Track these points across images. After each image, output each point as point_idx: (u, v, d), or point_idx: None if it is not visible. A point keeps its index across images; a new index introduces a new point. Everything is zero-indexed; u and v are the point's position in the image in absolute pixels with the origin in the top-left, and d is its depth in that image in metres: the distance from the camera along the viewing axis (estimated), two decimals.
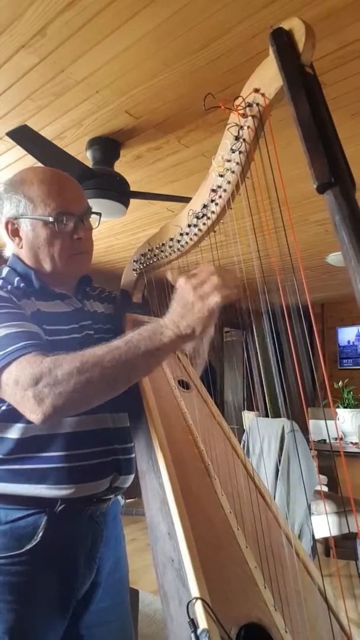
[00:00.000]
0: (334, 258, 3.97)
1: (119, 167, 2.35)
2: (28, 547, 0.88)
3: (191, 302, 0.77)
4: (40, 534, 0.88)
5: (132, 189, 2.35)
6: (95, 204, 2.17)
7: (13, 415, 0.89)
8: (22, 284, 0.97)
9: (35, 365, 0.80)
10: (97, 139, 2.20)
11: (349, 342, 5.98)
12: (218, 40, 1.59)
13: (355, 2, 1.44)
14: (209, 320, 0.77)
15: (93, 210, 1.08)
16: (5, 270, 1.01)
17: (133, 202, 2.47)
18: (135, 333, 0.82)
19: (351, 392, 3.66)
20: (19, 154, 2.28)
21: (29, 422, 0.88)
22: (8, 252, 1.06)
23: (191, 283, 0.78)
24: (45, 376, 0.78)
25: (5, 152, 2.33)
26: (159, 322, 0.81)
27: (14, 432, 0.90)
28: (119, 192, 2.23)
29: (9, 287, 0.95)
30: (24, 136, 1.90)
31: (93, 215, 1.07)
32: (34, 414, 0.79)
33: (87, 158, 2.27)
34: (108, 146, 2.22)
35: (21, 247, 1.01)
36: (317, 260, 4.13)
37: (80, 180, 2.09)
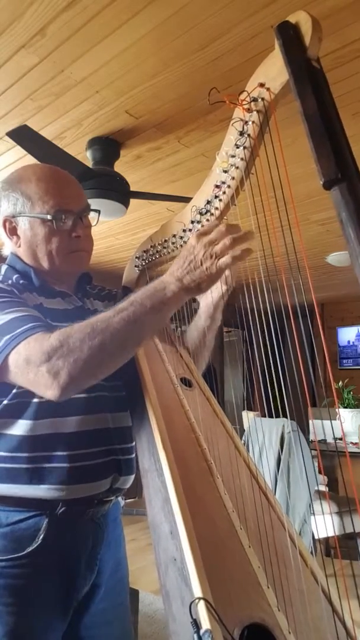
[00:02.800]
0: (335, 258, 3.98)
1: (119, 167, 2.35)
2: (29, 549, 0.87)
3: (200, 260, 0.78)
4: (41, 537, 0.88)
5: (132, 189, 2.35)
6: (95, 204, 2.16)
7: (14, 411, 0.88)
8: (21, 281, 0.97)
9: (44, 341, 0.79)
10: (97, 139, 2.20)
11: (349, 342, 5.98)
12: (218, 40, 1.59)
13: (355, 2, 1.44)
14: (216, 278, 0.79)
15: (97, 209, 1.08)
16: (4, 268, 1.00)
17: (133, 202, 2.46)
18: (139, 292, 0.83)
19: (351, 392, 3.66)
20: (19, 154, 2.28)
21: (30, 418, 0.88)
22: (6, 251, 1.05)
23: (202, 241, 0.78)
24: (57, 349, 0.78)
25: (5, 152, 2.33)
26: (161, 279, 0.82)
27: (15, 430, 0.89)
28: (119, 192, 2.22)
29: (10, 281, 0.95)
30: (24, 136, 1.90)
31: (92, 213, 1.06)
32: (51, 389, 0.78)
33: (87, 158, 2.27)
34: (108, 146, 2.22)
35: (19, 246, 1.00)
36: (317, 260, 4.13)
37: (80, 180, 2.09)
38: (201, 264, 0.78)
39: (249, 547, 0.76)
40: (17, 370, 0.81)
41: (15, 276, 0.97)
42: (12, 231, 1.00)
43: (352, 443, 3.38)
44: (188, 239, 0.97)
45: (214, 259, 0.77)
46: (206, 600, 0.60)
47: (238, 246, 0.76)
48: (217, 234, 0.78)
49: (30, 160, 2.20)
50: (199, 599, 0.60)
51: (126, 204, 2.30)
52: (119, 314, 0.80)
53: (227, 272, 1.02)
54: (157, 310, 0.81)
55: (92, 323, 0.80)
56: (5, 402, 0.89)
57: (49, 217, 0.96)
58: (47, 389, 0.79)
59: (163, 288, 0.81)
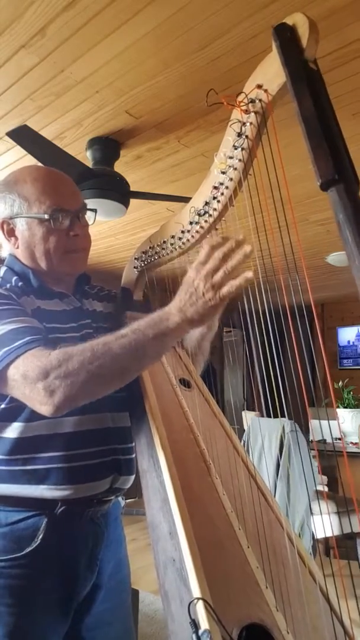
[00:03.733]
0: (334, 258, 3.97)
1: (119, 167, 2.35)
2: (28, 549, 0.87)
3: (201, 292, 0.78)
4: (41, 536, 0.88)
5: (132, 189, 2.35)
6: (95, 204, 2.16)
7: (11, 414, 0.89)
8: (20, 283, 0.97)
9: (43, 359, 0.80)
10: (97, 139, 2.20)
11: (349, 342, 5.98)
12: (218, 40, 1.59)
13: (355, 2, 1.44)
14: (220, 308, 0.79)
15: (94, 209, 1.08)
16: (3, 270, 1.00)
17: (133, 202, 2.46)
18: (142, 321, 0.83)
19: (351, 392, 3.67)
20: (19, 154, 2.28)
21: (28, 420, 0.88)
22: (4, 253, 1.05)
23: (201, 273, 0.78)
24: (55, 369, 0.78)
25: (5, 152, 2.33)
26: (164, 309, 0.82)
27: (13, 432, 0.89)
28: (119, 192, 2.22)
29: (8, 285, 0.95)
30: (24, 136, 1.90)
31: (89, 212, 1.07)
32: (45, 406, 0.79)
33: (87, 158, 2.26)
34: (108, 146, 2.22)
35: (17, 247, 1.00)
36: (317, 260, 4.13)
37: (80, 180, 2.09)
38: (203, 296, 0.78)
39: (248, 547, 0.76)
40: (13, 384, 0.82)
41: (14, 278, 0.97)
42: (10, 233, 1.01)
43: (352, 443, 3.38)
44: (187, 240, 0.98)
45: (216, 290, 0.77)
46: (205, 601, 0.60)
47: (237, 270, 0.75)
48: (214, 263, 0.77)
49: (30, 160, 2.20)
50: (198, 599, 0.60)
51: (126, 204, 2.30)
52: (120, 340, 0.81)
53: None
54: (159, 340, 0.81)
55: (93, 347, 0.81)
56: (2, 405, 0.89)
57: (46, 216, 0.96)
58: (42, 405, 0.80)
59: (166, 319, 0.81)
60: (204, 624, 0.58)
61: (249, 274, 0.74)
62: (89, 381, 0.79)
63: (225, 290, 0.76)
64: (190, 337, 1.16)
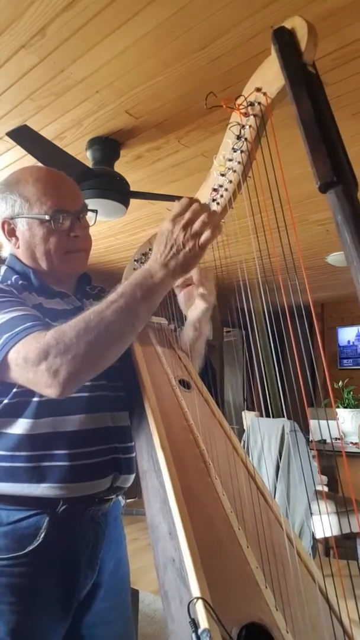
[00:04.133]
0: (334, 258, 3.97)
1: (119, 167, 2.35)
2: (30, 548, 0.87)
3: (181, 242, 0.80)
4: (42, 535, 0.88)
5: (132, 189, 2.35)
6: (95, 204, 2.17)
7: (14, 410, 0.89)
8: (20, 281, 0.97)
9: (41, 339, 0.80)
10: (97, 139, 2.20)
11: (349, 342, 5.98)
12: (218, 40, 1.59)
13: (355, 2, 1.44)
14: (201, 256, 0.81)
15: (94, 209, 1.08)
16: (3, 269, 1.01)
17: (133, 202, 2.47)
18: (126, 283, 0.84)
19: (351, 392, 3.67)
20: (19, 154, 2.28)
21: (33, 417, 0.88)
22: (5, 253, 1.06)
23: (179, 223, 0.81)
24: (53, 347, 0.78)
25: (5, 152, 2.33)
26: (145, 267, 0.84)
27: (16, 428, 0.89)
28: (119, 192, 2.22)
29: (9, 282, 0.95)
30: (24, 136, 1.90)
31: (90, 213, 1.07)
32: (51, 388, 0.79)
33: (87, 158, 2.27)
34: (108, 146, 2.22)
35: (18, 247, 1.01)
36: (317, 260, 4.13)
37: (80, 180, 2.09)
38: (184, 246, 0.80)
39: (247, 547, 0.76)
40: (17, 368, 0.82)
41: (14, 277, 0.98)
42: (11, 233, 1.01)
43: (352, 443, 3.38)
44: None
45: (196, 239, 0.79)
46: (204, 600, 0.60)
47: (213, 219, 0.79)
48: (193, 213, 0.80)
49: (30, 160, 2.20)
50: (197, 598, 0.60)
51: (126, 204, 2.31)
52: (111, 306, 0.82)
53: (205, 291, 1.06)
54: (148, 298, 0.83)
55: (86, 318, 0.81)
56: (5, 401, 0.89)
57: (46, 217, 0.96)
58: (48, 388, 0.79)
59: (150, 276, 0.83)
60: (203, 623, 0.58)
61: (221, 218, 0.78)
62: (89, 352, 0.79)
63: (204, 238, 0.78)
64: (185, 337, 1.17)
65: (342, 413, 3.55)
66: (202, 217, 0.79)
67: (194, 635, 0.58)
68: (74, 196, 1.01)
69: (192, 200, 0.82)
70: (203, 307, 1.09)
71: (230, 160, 0.80)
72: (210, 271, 1.05)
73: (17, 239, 1.00)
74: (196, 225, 0.79)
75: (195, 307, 1.10)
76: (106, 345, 0.81)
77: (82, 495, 0.91)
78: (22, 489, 0.88)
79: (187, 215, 0.80)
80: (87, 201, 1.06)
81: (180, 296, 1.12)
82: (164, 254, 0.82)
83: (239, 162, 0.79)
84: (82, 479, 0.91)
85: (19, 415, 0.89)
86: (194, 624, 0.59)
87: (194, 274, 1.06)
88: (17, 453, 0.89)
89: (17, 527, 0.88)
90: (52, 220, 0.96)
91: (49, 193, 0.97)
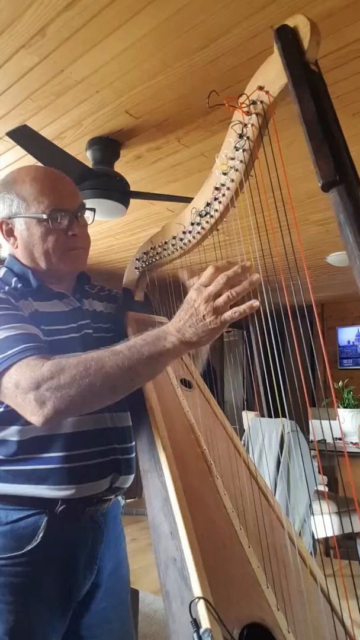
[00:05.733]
0: (334, 258, 3.97)
1: (119, 167, 2.35)
2: (28, 547, 0.87)
3: (201, 314, 0.75)
4: (41, 535, 0.88)
5: (132, 189, 2.35)
6: (95, 204, 2.17)
7: (9, 418, 0.89)
8: (19, 284, 0.97)
9: (37, 369, 0.80)
10: (97, 139, 2.20)
11: (349, 342, 5.98)
12: (218, 41, 1.59)
13: (355, 2, 1.44)
14: (219, 332, 0.77)
15: (92, 208, 1.08)
16: (2, 271, 1.00)
17: (133, 202, 2.46)
18: (139, 338, 0.81)
19: (351, 392, 3.67)
20: (19, 154, 2.28)
21: (26, 423, 0.88)
22: (4, 253, 1.05)
23: (203, 294, 0.76)
24: (47, 380, 0.78)
25: (5, 152, 2.33)
26: (163, 328, 0.81)
27: (13, 435, 0.90)
28: (119, 192, 2.22)
29: (7, 288, 0.95)
30: (24, 136, 1.90)
31: (88, 212, 1.07)
32: (35, 416, 0.79)
33: (87, 158, 2.26)
34: (108, 146, 2.22)
35: (16, 247, 1.00)
36: (317, 260, 4.13)
37: (80, 180, 2.09)
38: (203, 318, 0.75)
39: (249, 547, 0.76)
40: (6, 392, 0.82)
41: (13, 279, 0.98)
42: (9, 233, 1.01)
43: (352, 443, 3.38)
44: (188, 241, 0.98)
45: (217, 314, 0.74)
46: (206, 600, 0.60)
47: (241, 293, 0.73)
48: (217, 286, 0.74)
49: (30, 160, 2.20)
50: (199, 598, 0.60)
51: (126, 204, 2.30)
52: (114, 357, 0.80)
53: None
54: (154, 360, 0.80)
55: (87, 361, 0.80)
56: (1, 409, 0.89)
57: (44, 216, 0.96)
58: (32, 415, 0.80)
59: (164, 337, 0.79)
60: (205, 623, 0.58)
61: (256, 303, 0.72)
62: (79, 396, 0.78)
63: (227, 315, 0.74)
64: None
65: (342, 413, 3.54)
66: (228, 293, 0.73)
67: (195, 635, 0.58)
68: (71, 195, 1.01)
69: (218, 271, 0.76)
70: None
71: (233, 158, 0.80)
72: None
73: (15, 238, 1.00)
74: (220, 300, 0.74)
75: None
76: (98, 394, 0.80)
77: (81, 496, 0.91)
78: (21, 489, 0.89)
79: (211, 288, 0.75)
80: (87, 201, 1.06)
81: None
82: (183, 320, 0.78)
83: (241, 161, 0.79)
84: (81, 481, 0.91)
85: (13, 423, 0.89)
86: (196, 624, 0.58)
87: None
88: (17, 457, 0.89)
89: (15, 526, 0.88)
90: (50, 219, 0.96)
91: (46, 192, 0.97)
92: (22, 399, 0.80)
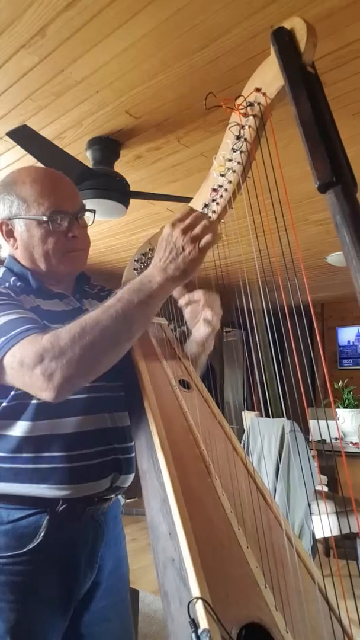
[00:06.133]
0: (334, 258, 3.97)
1: (119, 167, 2.35)
2: (30, 546, 0.88)
3: (180, 246, 0.79)
4: (42, 534, 0.88)
5: (132, 189, 2.35)
6: (95, 204, 2.17)
7: (13, 413, 0.89)
8: (19, 283, 0.97)
9: (37, 343, 0.80)
10: (97, 139, 2.20)
11: (349, 342, 5.98)
12: (218, 41, 1.59)
13: (355, 2, 1.44)
14: (200, 261, 0.80)
15: (92, 209, 1.08)
16: (2, 270, 1.01)
17: (133, 202, 2.47)
18: (125, 288, 0.83)
19: (351, 392, 3.67)
20: (19, 154, 2.28)
21: (31, 419, 0.88)
22: (3, 253, 1.05)
23: (179, 227, 0.80)
24: (48, 350, 0.78)
25: (5, 152, 2.33)
26: (145, 273, 0.83)
27: (15, 430, 0.89)
28: (119, 192, 2.23)
29: (7, 284, 0.95)
30: (24, 136, 1.90)
31: (88, 213, 1.07)
32: (46, 392, 0.79)
33: (87, 158, 2.27)
34: (108, 146, 2.22)
35: (16, 248, 1.01)
36: (317, 260, 4.13)
37: (80, 180, 2.10)
38: (183, 250, 0.79)
39: (247, 547, 0.76)
40: (12, 372, 0.82)
41: (12, 278, 0.98)
42: (9, 234, 1.01)
43: (352, 443, 3.38)
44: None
45: (195, 243, 0.79)
46: (204, 600, 0.60)
47: (214, 226, 0.78)
48: (194, 219, 0.79)
49: (30, 160, 2.20)
50: (197, 598, 0.60)
51: (126, 204, 2.31)
52: (107, 310, 0.81)
53: (210, 316, 1.04)
54: (145, 304, 0.82)
55: (82, 322, 0.81)
56: (4, 404, 0.89)
57: (44, 218, 0.96)
58: (43, 391, 0.79)
59: (149, 281, 0.82)
60: (203, 623, 0.58)
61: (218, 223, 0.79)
62: (84, 357, 0.78)
63: (204, 241, 0.78)
64: (187, 348, 1.17)
65: (342, 413, 3.54)
66: (203, 222, 0.79)
67: (193, 636, 0.58)
68: (71, 196, 1.01)
69: (194, 209, 0.82)
70: (208, 330, 1.09)
71: (230, 160, 0.80)
72: (216, 297, 1.04)
73: (15, 239, 1.00)
74: (197, 229, 0.79)
75: (199, 327, 1.10)
76: (101, 350, 0.80)
77: (81, 495, 0.91)
78: (22, 489, 0.89)
79: (188, 221, 0.80)
80: (87, 201, 1.07)
81: (186, 312, 1.12)
82: (163, 258, 0.81)
83: (238, 163, 0.79)
84: (81, 480, 0.91)
85: (17, 418, 0.89)
86: (194, 624, 0.59)
87: (200, 296, 1.05)
88: (17, 455, 0.89)
89: (17, 525, 0.88)
90: (50, 221, 0.96)
91: (47, 194, 0.97)
92: (29, 376, 0.79)
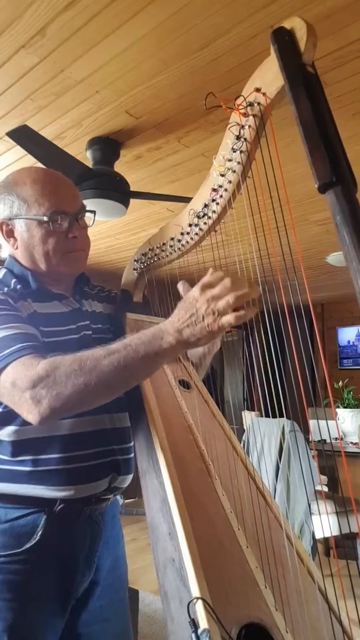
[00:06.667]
0: (334, 258, 3.97)
1: (119, 167, 2.35)
2: (27, 545, 0.88)
3: (201, 315, 0.74)
4: (40, 533, 0.88)
5: (132, 189, 2.35)
6: (95, 204, 2.17)
7: (7, 418, 0.89)
8: (18, 286, 0.97)
9: (32, 368, 0.80)
10: (97, 139, 2.20)
11: (349, 342, 5.98)
12: (218, 41, 1.59)
13: (355, 2, 1.44)
14: (217, 335, 0.76)
15: (92, 210, 1.08)
16: (2, 272, 1.01)
17: (133, 202, 2.46)
18: (135, 336, 0.80)
19: (351, 392, 3.66)
20: (19, 154, 2.28)
21: (22, 424, 0.88)
22: (4, 254, 1.06)
23: (206, 294, 0.74)
24: (42, 379, 0.78)
25: (5, 152, 2.33)
26: (160, 326, 0.79)
27: (11, 435, 0.90)
28: (119, 192, 2.22)
29: (6, 289, 0.95)
30: (24, 136, 1.90)
31: (88, 214, 1.07)
32: (31, 415, 0.79)
33: (87, 158, 2.27)
34: (108, 146, 2.22)
35: (16, 248, 1.01)
36: (317, 260, 4.13)
37: (80, 180, 2.09)
38: (202, 320, 0.74)
39: (247, 547, 0.76)
40: (3, 390, 0.83)
41: (12, 281, 0.98)
42: (9, 234, 1.01)
43: (352, 443, 3.38)
44: (186, 242, 0.98)
45: (217, 316, 0.73)
46: (204, 600, 0.60)
47: (242, 303, 0.73)
48: (222, 289, 0.73)
49: (30, 160, 2.20)
50: (197, 598, 0.60)
51: (126, 204, 2.31)
52: (110, 356, 0.79)
53: None
54: (150, 359, 0.79)
55: (82, 360, 0.80)
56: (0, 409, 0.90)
57: (45, 218, 0.96)
58: (29, 414, 0.80)
59: (160, 337, 0.78)
60: (203, 623, 0.58)
61: (254, 311, 0.72)
62: (74, 394, 0.78)
63: (226, 319, 0.73)
64: (193, 352, 1.17)
65: (342, 413, 3.54)
66: (229, 297, 0.72)
67: (193, 636, 0.58)
68: (72, 197, 1.01)
69: (223, 276, 0.75)
70: (208, 349, 1.08)
71: (230, 160, 0.80)
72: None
73: (15, 240, 1.00)
74: (221, 303, 0.73)
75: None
76: (92, 393, 0.80)
77: (80, 496, 0.91)
78: (20, 489, 0.89)
79: (216, 290, 0.74)
80: (87, 201, 1.07)
81: None
82: (182, 319, 0.76)
83: (238, 163, 0.79)
84: (80, 482, 0.91)
85: (11, 423, 0.90)
86: (194, 624, 0.59)
87: None
88: (15, 458, 0.90)
89: (14, 524, 0.89)
90: (51, 221, 0.96)
91: (47, 194, 0.97)
92: (18, 397, 0.80)
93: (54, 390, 0.78)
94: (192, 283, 1.17)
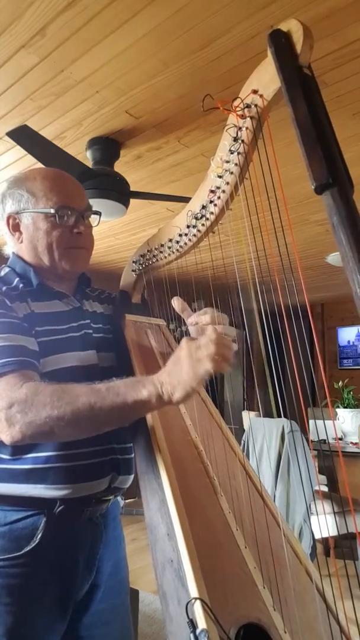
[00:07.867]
0: (334, 258, 3.97)
1: (119, 167, 2.35)
2: (27, 549, 0.88)
3: (182, 364, 0.74)
4: (39, 536, 0.88)
5: (132, 189, 2.35)
6: (95, 204, 2.16)
7: None
8: (20, 285, 0.97)
9: (14, 389, 0.81)
10: (97, 139, 2.20)
11: (349, 342, 5.98)
12: (218, 41, 1.59)
13: (355, 2, 1.44)
14: (193, 387, 0.74)
15: (98, 211, 1.09)
16: (5, 270, 1.01)
17: (133, 202, 2.47)
18: (124, 380, 0.80)
19: (351, 392, 3.66)
20: (19, 154, 2.29)
21: None
22: (8, 250, 1.06)
23: (189, 345, 0.74)
24: (20, 403, 0.79)
25: (5, 152, 2.34)
26: (149, 376, 0.78)
27: None
28: (119, 192, 2.23)
29: (4, 288, 0.95)
30: (24, 136, 1.90)
31: (93, 216, 1.08)
32: (3, 434, 0.81)
33: (87, 158, 2.27)
34: (108, 146, 2.22)
35: (21, 242, 1.02)
36: (317, 260, 4.13)
37: (80, 180, 2.09)
38: (181, 369, 0.74)
39: (245, 547, 0.76)
40: None
41: (15, 280, 0.98)
42: (15, 227, 1.02)
43: (351, 443, 3.38)
44: (184, 243, 0.98)
45: (197, 366, 0.72)
46: (202, 601, 0.60)
47: (223, 353, 0.71)
48: (204, 339, 0.73)
49: (30, 160, 2.21)
50: (196, 599, 0.60)
51: (126, 204, 2.31)
52: (90, 395, 0.79)
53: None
54: (127, 407, 0.78)
55: (62, 392, 0.80)
56: None
57: (52, 211, 0.98)
58: (1, 432, 0.81)
59: (143, 385, 0.77)
60: (201, 623, 0.58)
61: (230, 366, 0.73)
62: (45, 425, 0.79)
63: (202, 367, 0.72)
64: None
65: (342, 413, 3.54)
66: (209, 346, 0.72)
67: (192, 636, 0.58)
68: (79, 196, 1.03)
69: (214, 333, 0.74)
70: None
71: (227, 162, 0.80)
72: (225, 317, 0.96)
73: (20, 233, 1.02)
74: (199, 353, 0.72)
75: None
76: (63, 428, 0.79)
77: (79, 496, 0.91)
78: (19, 489, 0.89)
79: (199, 340, 0.74)
80: None
81: (192, 330, 1.11)
82: (167, 371, 0.76)
83: (235, 164, 0.79)
84: (79, 480, 0.91)
85: None
86: (192, 625, 0.59)
87: (208, 319, 0.95)
88: (15, 457, 0.90)
89: (14, 527, 0.88)
90: (57, 215, 0.98)
91: (56, 190, 0.99)
92: None
93: (28, 417, 0.79)
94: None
